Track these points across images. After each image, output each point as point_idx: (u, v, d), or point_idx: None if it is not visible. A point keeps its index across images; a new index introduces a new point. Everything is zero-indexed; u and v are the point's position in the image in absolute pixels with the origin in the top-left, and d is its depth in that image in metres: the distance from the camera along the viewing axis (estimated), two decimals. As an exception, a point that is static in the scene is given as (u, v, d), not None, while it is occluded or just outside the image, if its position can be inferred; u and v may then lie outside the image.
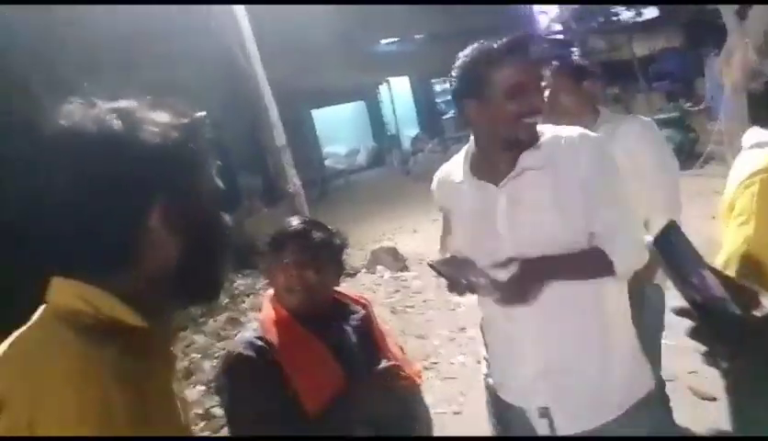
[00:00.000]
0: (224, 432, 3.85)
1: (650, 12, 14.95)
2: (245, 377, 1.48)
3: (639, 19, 14.81)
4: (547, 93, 2.17)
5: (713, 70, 7.64)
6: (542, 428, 1.58)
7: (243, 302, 6.42)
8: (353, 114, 17.02)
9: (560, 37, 14.94)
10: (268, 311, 1.60)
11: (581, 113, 2.23)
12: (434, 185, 1.79)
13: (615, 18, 14.69)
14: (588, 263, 1.53)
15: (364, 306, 1.74)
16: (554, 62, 2.26)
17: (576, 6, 14.22)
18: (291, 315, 1.56)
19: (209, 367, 4.93)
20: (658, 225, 1.99)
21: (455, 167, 1.71)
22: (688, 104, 10.90)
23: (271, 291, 1.65)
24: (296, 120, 11.35)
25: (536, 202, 1.53)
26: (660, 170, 2.26)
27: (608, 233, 1.50)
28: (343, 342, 1.60)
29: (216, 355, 5.16)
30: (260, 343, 1.52)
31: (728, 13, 6.59)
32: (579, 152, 1.52)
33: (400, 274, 6.46)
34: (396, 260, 6.70)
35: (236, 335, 5.18)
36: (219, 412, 4.12)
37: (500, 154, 1.58)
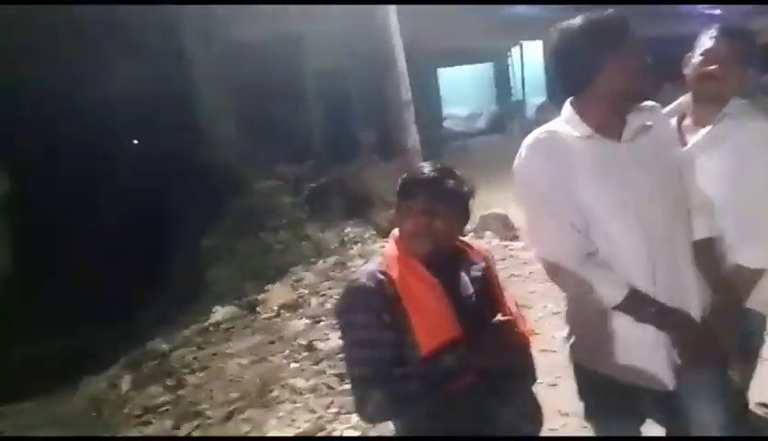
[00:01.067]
0: (324, 364, 4.07)
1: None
2: (365, 304, 1.50)
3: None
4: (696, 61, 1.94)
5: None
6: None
7: (352, 249, 6.65)
8: (479, 76, 16.66)
9: (715, 12, 13.67)
10: (393, 249, 1.59)
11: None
12: (542, 148, 1.69)
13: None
14: None
15: (485, 258, 1.71)
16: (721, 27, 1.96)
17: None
18: (414, 257, 1.56)
19: (316, 302, 5.19)
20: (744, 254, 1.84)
21: (563, 126, 1.71)
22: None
23: (396, 231, 1.64)
24: (421, 78, 11.33)
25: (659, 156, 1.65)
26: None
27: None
28: (461, 290, 1.60)
29: (322, 292, 5.42)
30: (382, 276, 1.54)
31: None
32: None
33: (508, 243, 6.38)
34: (505, 227, 6.61)
35: (343, 277, 5.41)
36: (321, 345, 4.36)
37: (622, 109, 1.65)
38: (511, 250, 6.12)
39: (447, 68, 15.03)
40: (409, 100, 6.67)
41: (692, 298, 1.69)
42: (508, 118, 15.38)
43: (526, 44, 15.64)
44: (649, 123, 1.67)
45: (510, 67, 16.26)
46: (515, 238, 6.46)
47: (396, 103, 6.80)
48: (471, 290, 1.62)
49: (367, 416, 1.55)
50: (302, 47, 11.24)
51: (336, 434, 3.29)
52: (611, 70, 1.57)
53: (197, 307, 5.62)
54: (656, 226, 1.63)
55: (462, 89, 16.41)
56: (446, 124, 15.49)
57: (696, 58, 1.94)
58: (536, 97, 15.80)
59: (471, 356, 1.49)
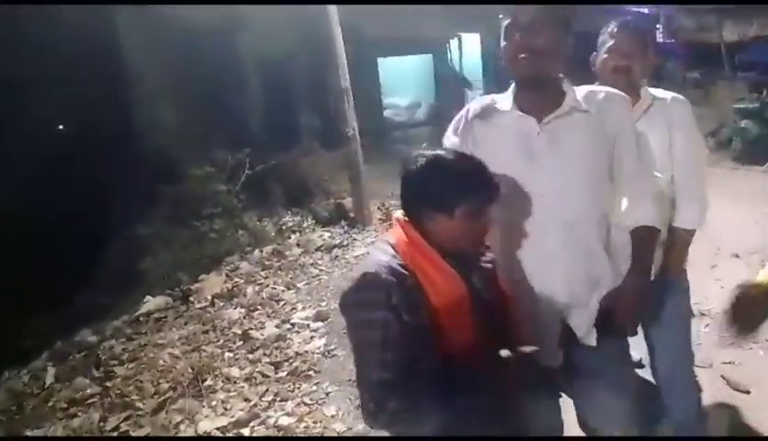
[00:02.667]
0: (259, 353, 4.03)
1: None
2: (386, 302, 1.34)
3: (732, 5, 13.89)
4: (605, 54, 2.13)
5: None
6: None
7: (290, 238, 6.58)
8: (418, 67, 16.73)
9: (645, 10, 14.23)
10: (405, 237, 1.45)
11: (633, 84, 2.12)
12: (472, 112, 1.79)
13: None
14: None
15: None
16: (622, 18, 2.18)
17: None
18: (434, 248, 1.43)
19: (252, 291, 5.11)
20: (688, 212, 2.07)
21: (501, 99, 1.79)
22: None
23: (400, 214, 1.52)
24: (360, 67, 11.30)
25: (574, 142, 1.68)
26: (695, 158, 2.18)
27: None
28: (476, 284, 1.51)
29: (259, 281, 5.35)
30: (404, 270, 1.39)
31: None
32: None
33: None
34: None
35: (279, 266, 5.33)
36: (256, 334, 4.31)
37: (531, 89, 1.69)
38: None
39: (387, 58, 15.01)
40: (348, 88, 6.63)
41: (599, 276, 1.75)
42: (447, 109, 15.52)
43: (465, 36, 15.83)
44: (584, 108, 1.70)
45: (448, 58, 16.41)
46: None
47: (336, 90, 6.76)
48: (483, 284, 1.54)
49: (380, 422, 1.39)
50: (242, 32, 10.99)
51: (271, 421, 3.27)
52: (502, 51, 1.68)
53: (129, 297, 5.43)
54: (566, 204, 1.68)
55: (402, 79, 16.45)
56: (387, 113, 15.51)
57: (603, 55, 2.13)
58: (474, 89, 16.05)
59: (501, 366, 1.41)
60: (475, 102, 1.83)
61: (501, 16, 1.66)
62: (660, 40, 12.20)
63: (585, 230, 1.70)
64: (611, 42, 2.10)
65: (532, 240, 1.70)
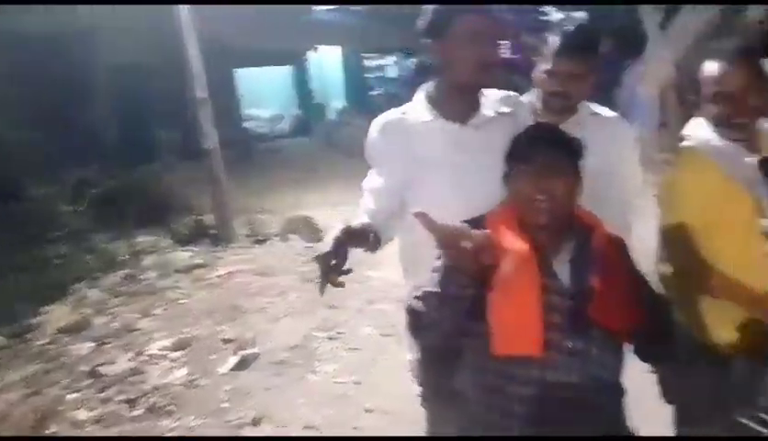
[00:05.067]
0: (112, 391, 3.65)
1: (580, 16, 15.31)
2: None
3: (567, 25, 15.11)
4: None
5: (630, 79, 7.95)
6: None
7: (145, 260, 6.11)
8: (278, 78, 16.52)
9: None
10: (498, 210, 1.45)
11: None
12: (382, 129, 1.74)
13: (542, 18, 14.89)
14: None
15: (610, 239, 1.43)
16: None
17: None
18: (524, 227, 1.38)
19: (101, 322, 4.66)
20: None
21: (413, 110, 1.75)
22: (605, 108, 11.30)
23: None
24: (218, 78, 10.91)
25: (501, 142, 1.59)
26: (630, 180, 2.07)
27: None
28: (562, 280, 1.36)
29: (109, 311, 4.89)
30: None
31: (650, 23, 6.88)
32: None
33: (314, 244, 6.35)
34: (311, 230, 6.58)
35: (133, 292, 4.91)
36: (107, 369, 3.92)
37: (466, 96, 1.70)
38: (317, 252, 6.09)
39: (246, 69, 14.67)
40: (205, 98, 6.32)
41: None
42: (311, 121, 15.46)
43: (323, 48, 15.86)
44: (505, 110, 1.75)
45: (308, 70, 16.37)
46: (321, 240, 6.43)
47: (193, 102, 6.41)
48: (571, 283, 1.36)
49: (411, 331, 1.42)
50: (93, 40, 10.20)
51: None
52: (437, 59, 1.67)
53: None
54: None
55: (263, 91, 16.15)
56: (249, 125, 15.12)
57: (543, 75, 1.92)
58: (336, 101, 16.13)
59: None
60: (384, 121, 1.76)
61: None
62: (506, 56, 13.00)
63: None
64: (550, 65, 1.89)
65: None
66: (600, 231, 1.41)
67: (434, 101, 1.74)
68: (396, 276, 1.91)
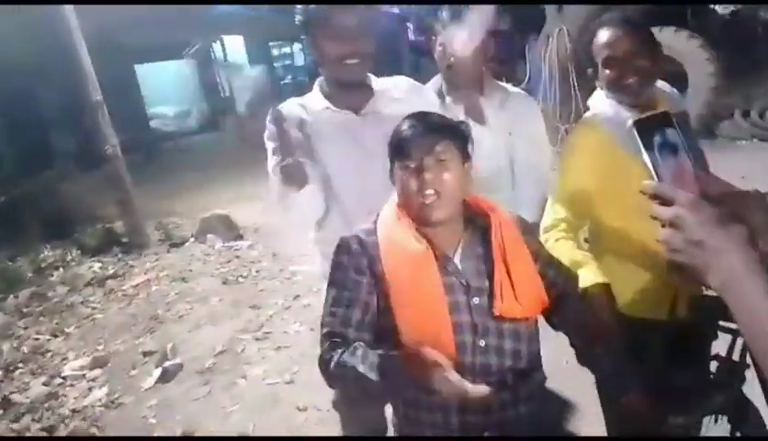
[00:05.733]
0: (26, 420, 3.42)
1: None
2: (344, 263, 1.32)
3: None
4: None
5: (534, 54, 8.19)
6: None
7: (52, 276, 5.75)
8: (182, 73, 15.90)
9: (395, 10, 15.20)
10: (388, 208, 1.37)
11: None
12: (279, 118, 1.71)
13: None
14: None
15: (502, 221, 1.34)
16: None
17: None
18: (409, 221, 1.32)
19: (9, 347, 4.34)
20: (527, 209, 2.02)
21: (310, 100, 1.80)
22: (510, 84, 11.64)
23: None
24: (115, 76, 10.36)
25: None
26: (538, 155, 2.15)
27: None
28: (462, 269, 1.31)
29: (17, 334, 4.57)
30: (364, 236, 1.33)
31: (548, -1, 7.10)
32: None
33: (233, 243, 6.19)
34: (229, 229, 6.40)
35: (41, 311, 4.65)
36: (19, 397, 3.67)
37: (349, 87, 1.73)
38: (237, 250, 5.95)
39: (146, 65, 14.01)
40: (100, 100, 5.96)
41: None
42: (219, 114, 15.01)
43: (227, 39, 15.40)
44: (398, 97, 1.79)
45: (213, 62, 15.86)
46: (240, 237, 6.30)
47: (87, 105, 6.04)
48: (474, 278, 1.30)
49: (325, 377, 1.31)
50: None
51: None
52: (311, 54, 1.75)
53: None
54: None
55: (166, 87, 15.50)
56: (154, 124, 14.50)
57: (438, 49, 2.00)
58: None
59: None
60: (283, 109, 1.76)
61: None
62: (412, 38, 13.06)
63: None
64: (441, 37, 1.97)
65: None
66: (497, 216, 1.33)
67: (327, 92, 1.78)
68: (320, 269, 1.87)
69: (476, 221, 1.35)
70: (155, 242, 6.41)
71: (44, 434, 3.31)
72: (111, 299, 5.08)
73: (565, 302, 1.40)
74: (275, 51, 16.57)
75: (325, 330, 1.30)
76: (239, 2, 12.14)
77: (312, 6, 1.67)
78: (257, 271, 5.31)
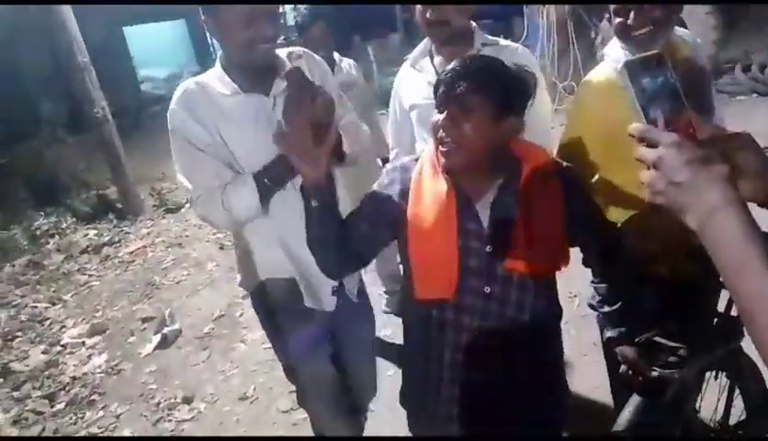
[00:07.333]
0: (27, 388, 3.44)
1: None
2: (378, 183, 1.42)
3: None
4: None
5: (532, 9, 8.03)
6: None
7: (48, 243, 5.71)
8: (173, 34, 15.57)
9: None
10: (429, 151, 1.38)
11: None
12: (184, 100, 1.66)
13: None
14: None
15: (546, 170, 1.34)
16: None
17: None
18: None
19: (6, 316, 4.33)
20: None
21: (212, 80, 1.69)
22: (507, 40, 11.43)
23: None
24: (104, 39, 10.12)
25: None
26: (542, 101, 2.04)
27: None
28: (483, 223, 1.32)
29: (14, 302, 4.55)
30: (400, 173, 1.40)
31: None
32: None
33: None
34: (223, 192, 6.35)
35: (38, 279, 4.61)
36: (19, 365, 3.69)
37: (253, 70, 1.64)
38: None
39: (136, 27, 13.68)
40: (87, 62, 5.81)
41: None
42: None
43: None
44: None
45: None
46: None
47: (74, 68, 5.89)
48: (491, 227, 1.30)
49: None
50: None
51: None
52: (216, 36, 1.65)
53: None
54: None
55: (157, 49, 15.19)
56: (145, 88, 14.26)
57: (418, 8, 1.93)
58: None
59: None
60: (188, 93, 1.67)
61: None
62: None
63: None
64: None
65: (289, 207, 1.66)
66: (531, 165, 1.29)
67: (233, 76, 1.68)
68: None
69: (509, 171, 1.31)
70: (150, 207, 6.36)
71: (45, 401, 3.33)
72: (107, 266, 5.06)
73: (600, 254, 1.52)
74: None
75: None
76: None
77: None
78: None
